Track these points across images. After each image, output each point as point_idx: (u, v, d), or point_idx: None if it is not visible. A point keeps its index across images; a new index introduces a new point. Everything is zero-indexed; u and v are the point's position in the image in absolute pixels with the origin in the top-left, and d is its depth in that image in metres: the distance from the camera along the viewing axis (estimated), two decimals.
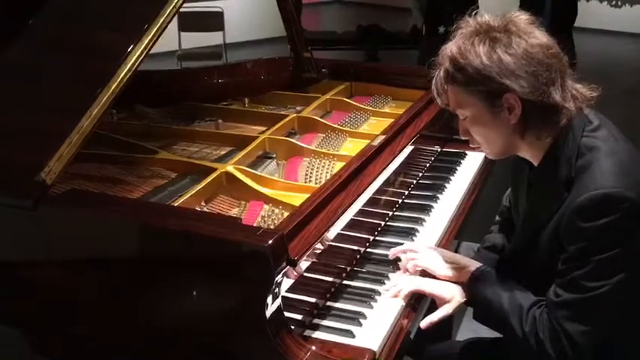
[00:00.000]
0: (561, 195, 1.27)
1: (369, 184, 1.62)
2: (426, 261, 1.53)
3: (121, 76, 1.39)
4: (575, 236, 1.23)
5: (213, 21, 5.98)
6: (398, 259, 1.61)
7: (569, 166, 1.27)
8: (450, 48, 1.27)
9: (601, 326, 1.26)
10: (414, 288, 1.47)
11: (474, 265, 1.47)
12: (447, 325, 2.44)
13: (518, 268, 1.41)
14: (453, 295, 1.43)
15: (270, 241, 1.17)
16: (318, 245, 1.44)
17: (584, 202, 1.21)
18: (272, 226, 1.44)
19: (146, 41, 1.42)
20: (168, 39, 5.55)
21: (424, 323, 1.42)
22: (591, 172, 1.24)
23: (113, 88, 1.38)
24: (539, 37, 1.25)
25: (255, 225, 1.48)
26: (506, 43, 1.21)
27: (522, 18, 1.28)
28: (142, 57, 1.42)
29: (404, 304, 1.46)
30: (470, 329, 2.56)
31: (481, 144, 1.38)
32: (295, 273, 1.37)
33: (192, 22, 5.79)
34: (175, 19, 6.24)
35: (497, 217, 1.71)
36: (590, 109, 1.32)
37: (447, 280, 1.47)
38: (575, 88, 1.28)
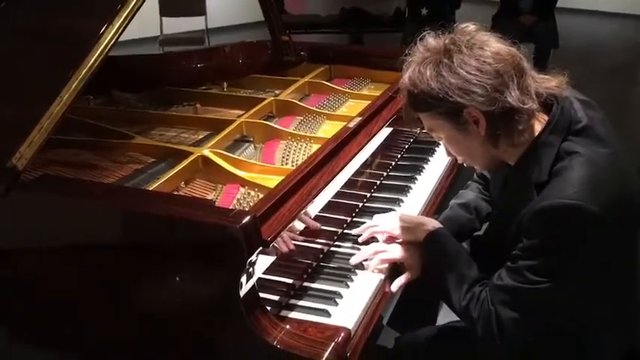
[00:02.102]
0: (531, 198, 1.27)
1: (344, 166, 1.63)
2: (385, 225, 1.56)
3: (92, 61, 1.38)
4: (530, 233, 1.24)
5: (195, 6, 5.92)
6: (373, 238, 1.62)
7: (545, 169, 1.27)
8: (403, 79, 1.31)
9: (532, 321, 1.28)
10: (382, 259, 1.49)
11: (431, 224, 1.49)
12: (433, 308, 2.46)
13: (490, 256, 1.42)
14: (418, 260, 1.46)
15: (243, 222, 1.18)
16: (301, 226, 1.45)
17: (546, 207, 1.21)
18: (247, 209, 1.44)
19: (117, 25, 1.41)
20: (150, 24, 5.50)
21: (394, 287, 1.46)
22: (562, 179, 1.24)
23: (84, 72, 1.37)
24: (485, 45, 1.25)
25: (230, 207, 1.49)
26: (448, 64, 1.24)
27: (467, 30, 1.29)
28: (113, 41, 1.41)
29: (381, 280, 1.47)
30: (449, 310, 2.59)
31: (466, 161, 1.42)
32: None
33: (173, 7, 5.74)
34: (156, 4, 6.19)
35: (474, 176, 1.74)
36: (581, 104, 1.32)
37: (408, 241, 1.50)
38: (539, 83, 1.29)
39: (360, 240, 1.63)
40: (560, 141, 1.28)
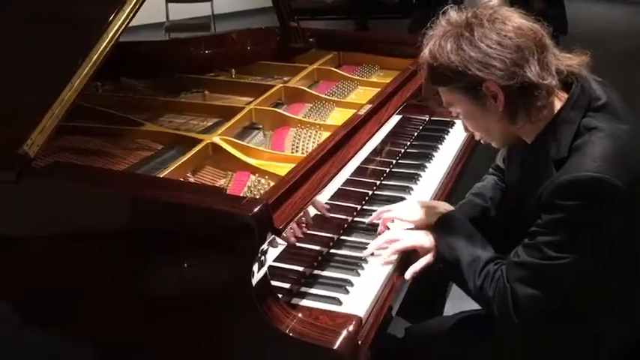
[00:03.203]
0: (550, 174, 1.26)
1: (355, 154, 1.62)
2: (397, 211, 1.57)
3: (102, 47, 1.37)
4: (550, 208, 1.23)
5: None
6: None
7: (565, 145, 1.26)
8: (424, 52, 1.32)
9: (548, 298, 1.27)
10: (396, 248, 1.48)
11: (443, 207, 1.50)
12: (441, 297, 2.47)
13: (505, 239, 1.42)
14: (433, 244, 1.45)
15: (255, 210, 1.17)
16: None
17: (567, 180, 1.21)
18: (258, 196, 1.44)
19: (127, 10, 1.40)
20: (156, 11, 5.48)
21: (408, 274, 1.45)
22: (582, 154, 1.23)
23: (95, 58, 1.36)
24: (507, 20, 1.25)
25: (241, 195, 1.48)
26: (469, 37, 1.24)
27: (490, 5, 1.29)
28: (123, 27, 1.40)
29: (391, 269, 1.47)
30: (458, 300, 2.60)
31: (483, 137, 1.41)
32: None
33: None
34: None
35: (490, 170, 1.74)
36: (598, 84, 1.32)
37: (421, 226, 1.51)
38: (560, 61, 1.28)
39: (367, 222, 1.62)
40: (581, 117, 1.27)
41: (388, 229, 1.60)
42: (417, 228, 1.52)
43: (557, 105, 1.30)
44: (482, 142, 1.45)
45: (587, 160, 1.21)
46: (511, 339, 1.41)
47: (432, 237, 1.47)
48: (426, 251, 1.46)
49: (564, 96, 1.31)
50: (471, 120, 1.37)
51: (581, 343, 1.37)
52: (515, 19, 1.26)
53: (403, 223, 1.58)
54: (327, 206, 1.56)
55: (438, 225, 1.46)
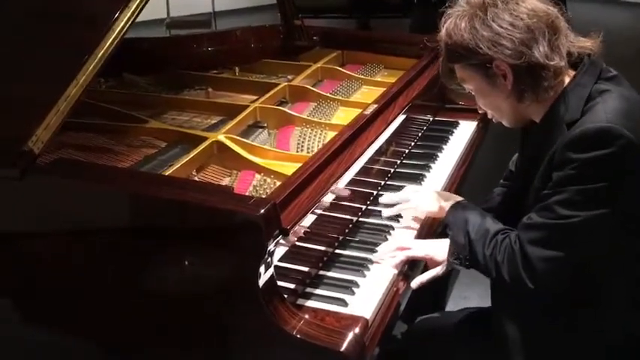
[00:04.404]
0: (562, 133, 1.27)
1: (362, 154, 1.61)
2: (416, 201, 1.63)
3: (107, 43, 1.36)
4: (562, 165, 1.23)
5: None
6: (389, 226, 1.63)
7: (577, 108, 1.28)
8: (441, 31, 1.37)
9: (561, 258, 1.25)
10: (406, 256, 1.48)
11: (457, 198, 1.55)
12: (442, 294, 2.47)
13: (512, 215, 1.41)
14: (444, 257, 1.45)
15: (263, 210, 1.16)
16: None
17: (577, 133, 1.22)
18: (264, 196, 1.43)
19: (133, 7, 1.39)
20: (157, 7, 5.44)
21: (414, 283, 1.45)
22: (594, 110, 1.25)
23: (100, 55, 1.35)
24: (522, 1, 1.29)
25: (247, 194, 1.47)
26: (482, 17, 1.28)
27: None
28: (129, 23, 1.39)
29: (397, 272, 1.46)
30: (460, 296, 2.60)
31: (494, 115, 1.44)
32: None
33: None
34: None
35: (501, 181, 1.74)
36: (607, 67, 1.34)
37: (432, 215, 1.58)
38: (573, 43, 1.31)
39: (383, 214, 1.67)
40: (592, 83, 1.30)
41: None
42: (435, 216, 1.58)
43: (567, 82, 1.33)
44: (493, 120, 1.47)
45: (600, 114, 1.23)
46: (513, 335, 1.40)
47: (443, 251, 1.45)
48: (435, 264, 1.46)
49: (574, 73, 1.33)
50: (482, 97, 1.41)
51: (585, 337, 1.35)
52: (530, 1, 1.30)
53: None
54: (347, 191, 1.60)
55: (452, 210, 1.51)
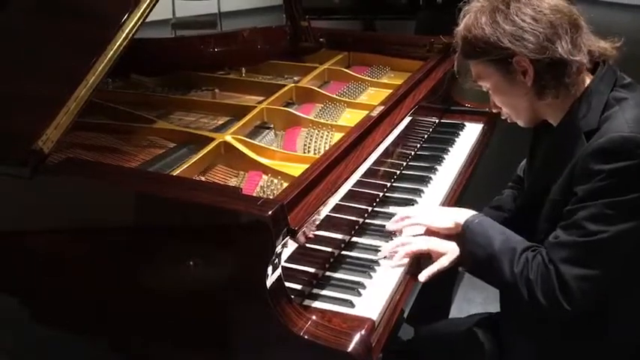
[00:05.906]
0: (581, 145, 1.25)
1: (369, 155, 1.61)
2: (423, 217, 1.52)
3: (117, 43, 1.36)
4: (587, 178, 1.21)
5: None
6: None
7: (595, 116, 1.26)
8: (460, 26, 1.35)
9: (597, 276, 1.21)
10: (411, 249, 1.47)
11: (469, 213, 1.46)
12: (446, 299, 2.46)
13: (523, 224, 1.40)
14: (448, 249, 1.43)
15: (271, 211, 1.16)
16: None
17: (601, 144, 1.20)
18: (271, 197, 1.43)
19: (143, 7, 1.40)
20: (163, 7, 5.45)
21: (422, 276, 1.42)
22: (613, 120, 1.24)
23: (110, 55, 1.35)
24: None
25: (254, 195, 1.47)
26: (505, 11, 1.27)
27: None
28: (139, 23, 1.39)
29: (403, 272, 1.46)
30: (464, 301, 2.60)
31: (509, 114, 1.42)
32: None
33: None
34: None
35: (509, 184, 1.72)
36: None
37: (446, 232, 1.46)
38: (593, 42, 1.30)
39: (387, 227, 1.59)
40: (609, 91, 1.29)
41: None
42: (442, 236, 1.47)
43: (586, 83, 1.32)
44: (508, 120, 1.45)
45: (620, 123, 1.22)
46: (522, 343, 1.40)
47: (456, 245, 1.43)
48: (439, 255, 1.44)
49: (592, 77, 1.32)
50: (499, 95, 1.38)
51: (596, 346, 1.35)
52: None
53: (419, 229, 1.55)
54: None
55: (467, 227, 1.40)
